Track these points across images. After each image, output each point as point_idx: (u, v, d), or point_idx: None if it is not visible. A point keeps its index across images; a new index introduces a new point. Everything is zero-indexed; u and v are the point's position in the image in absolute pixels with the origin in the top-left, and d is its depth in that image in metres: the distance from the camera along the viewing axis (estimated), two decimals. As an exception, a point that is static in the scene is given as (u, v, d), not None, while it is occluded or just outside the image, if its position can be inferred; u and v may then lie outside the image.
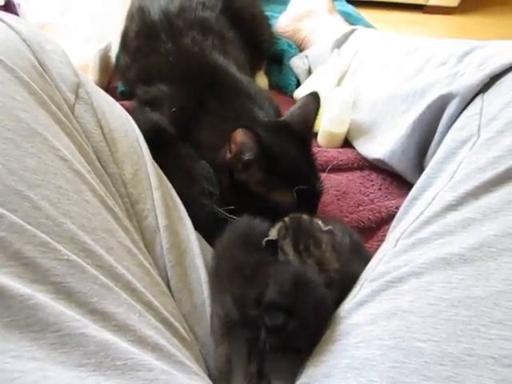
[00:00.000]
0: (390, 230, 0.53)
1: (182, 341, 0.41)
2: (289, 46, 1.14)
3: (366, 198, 0.77)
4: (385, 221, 0.71)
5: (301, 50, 1.14)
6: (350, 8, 1.38)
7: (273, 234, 0.48)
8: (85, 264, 0.35)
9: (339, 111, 0.85)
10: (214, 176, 0.62)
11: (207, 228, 0.56)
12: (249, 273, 0.44)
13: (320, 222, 0.49)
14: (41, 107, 0.43)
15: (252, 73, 0.97)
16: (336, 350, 0.40)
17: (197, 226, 0.55)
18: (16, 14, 0.96)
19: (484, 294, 0.35)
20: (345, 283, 0.46)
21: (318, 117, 0.67)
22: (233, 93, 0.73)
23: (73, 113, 0.48)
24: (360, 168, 0.83)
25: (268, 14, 1.17)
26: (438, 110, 0.62)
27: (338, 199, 0.76)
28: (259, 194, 0.59)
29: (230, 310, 0.44)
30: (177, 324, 0.42)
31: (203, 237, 0.56)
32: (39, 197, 0.36)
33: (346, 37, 1.02)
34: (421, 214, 0.45)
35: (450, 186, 0.45)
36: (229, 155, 0.60)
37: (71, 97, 0.48)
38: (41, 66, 0.47)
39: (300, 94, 1.00)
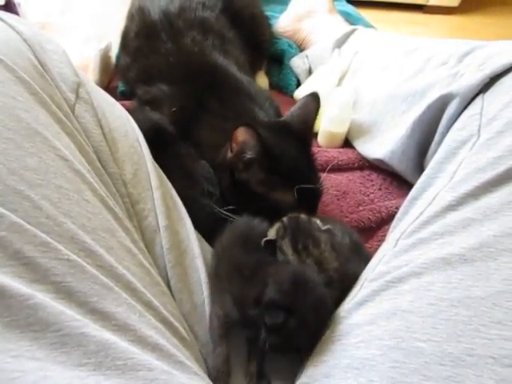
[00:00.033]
0: (390, 230, 0.53)
1: (182, 341, 0.41)
2: (289, 45, 1.14)
3: (366, 198, 0.77)
4: (385, 221, 0.71)
5: (301, 50, 1.14)
6: (350, 8, 1.38)
7: (271, 233, 0.48)
8: (85, 264, 0.35)
9: (339, 111, 0.85)
10: (214, 176, 0.62)
11: (207, 228, 0.56)
12: (248, 273, 0.44)
13: (318, 222, 0.49)
14: (41, 107, 0.43)
15: (252, 73, 0.97)
16: (336, 349, 0.40)
17: (197, 226, 0.55)
18: (16, 13, 0.96)
19: (484, 294, 0.35)
20: (344, 283, 0.46)
21: (318, 117, 0.67)
22: (233, 93, 0.73)
23: (73, 112, 0.48)
24: (360, 168, 0.83)
25: (268, 13, 1.17)
26: (438, 110, 0.62)
27: (338, 199, 0.76)
28: (260, 193, 0.59)
29: (230, 310, 0.44)
30: (177, 324, 0.42)
31: (203, 237, 0.56)
32: (39, 196, 0.36)
33: (346, 37, 1.02)
34: (421, 214, 0.45)
35: (450, 186, 0.45)
36: (230, 154, 0.60)
37: (71, 96, 0.49)
38: (41, 66, 0.47)
39: (300, 94, 1.00)
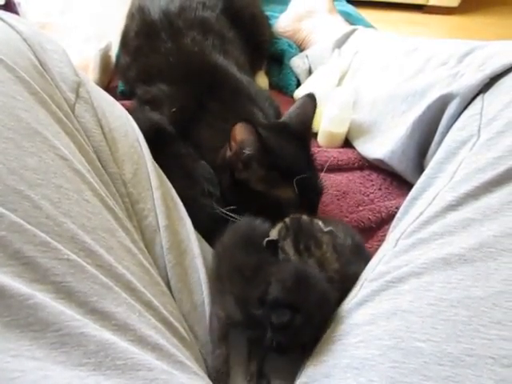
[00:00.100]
0: (390, 230, 0.53)
1: (181, 340, 0.41)
2: (289, 45, 1.14)
3: (366, 198, 0.77)
4: (385, 221, 0.71)
5: (301, 50, 1.14)
6: (350, 8, 1.38)
7: (273, 234, 0.48)
8: (85, 263, 0.35)
9: (339, 111, 0.85)
10: (214, 176, 0.62)
11: (207, 228, 0.56)
12: (250, 273, 0.44)
13: (320, 223, 0.49)
14: (41, 106, 0.43)
15: (252, 73, 0.97)
16: (336, 349, 0.40)
17: (197, 226, 0.55)
18: (16, 13, 0.96)
19: (483, 294, 0.35)
20: (345, 284, 0.46)
21: (317, 117, 0.67)
22: (233, 93, 0.73)
23: (73, 112, 0.48)
24: (360, 168, 0.83)
25: (268, 13, 1.17)
26: (438, 111, 0.62)
27: (338, 199, 0.76)
28: (261, 191, 0.59)
29: (233, 310, 0.44)
30: (176, 324, 0.42)
31: (203, 237, 0.56)
32: (39, 196, 0.36)
33: (346, 37, 1.02)
34: (421, 214, 0.45)
35: (450, 187, 0.45)
36: (229, 153, 0.60)
37: (71, 96, 0.49)
38: (41, 66, 0.47)
39: (300, 93, 1.00)
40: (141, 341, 0.34)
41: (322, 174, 0.65)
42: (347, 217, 0.73)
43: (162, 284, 0.46)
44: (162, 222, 0.51)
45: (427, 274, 0.39)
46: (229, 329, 0.47)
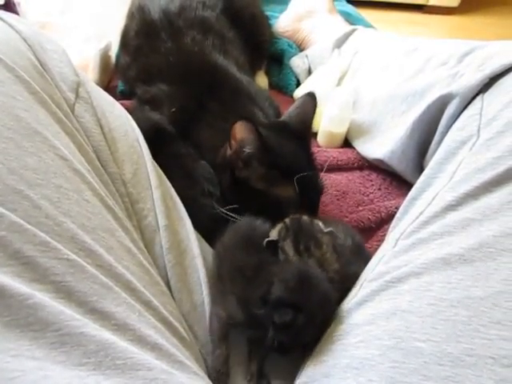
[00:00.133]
0: (390, 230, 0.53)
1: (181, 340, 0.41)
2: (289, 45, 1.14)
3: (365, 198, 0.77)
4: (384, 221, 0.71)
5: (301, 50, 1.14)
6: (350, 8, 1.38)
7: (273, 234, 0.48)
8: (84, 263, 0.35)
9: (339, 111, 0.85)
10: (214, 176, 0.62)
11: (207, 228, 0.56)
12: (251, 273, 0.44)
13: (320, 224, 0.49)
14: (41, 106, 0.43)
15: (252, 73, 0.97)
16: (336, 349, 0.40)
17: (197, 226, 0.55)
18: (16, 13, 0.96)
19: (483, 294, 0.35)
20: (345, 284, 0.46)
21: (317, 117, 0.67)
22: (233, 93, 0.73)
23: (73, 112, 0.48)
24: (360, 168, 0.83)
25: (268, 13, 1.17)
26: (437, 111, 0.62)
27: (337, 199, 0.76)
28: (261, 189, 0.59)
29: (234, 311, 0.44)
30: (176, 323, 0.42)
31: (203, 237, 0.56)
32: (39, 196, 0.36)
33: (346, 37, 1.02)
34: (420, 214, 0.45)
35: (450, 187, 0.45)
36: (229, 151, 0.60)
37: (71, 96, 0.49)
38: (41, 66, 0.47)
39: (300, 93, 1.00)
40: (140, 340, 0.34)
41: (322, 174, 0.65)
42: (347, 217, 0.73)
43: (162, 284, 0.46)
44: (161, 221, 0.51)
45: (427, 274, 0.39)
46: (229, 329, 0.47)
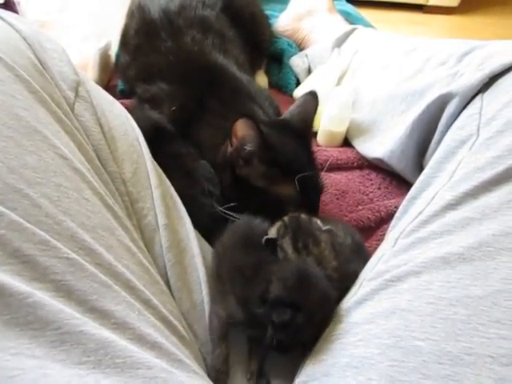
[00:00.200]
0: (390, 229, 0.53)
1: (181, 339, 0.42)
2: (289, 45, 1.14)
3: (365, 198, 0.77)
4: (384, 220, 0.71)
5: (301, 49, 1.14)
6: (349, 7, 1.38)
7: (272, 232, 0.48)
8: (84, 262, 0.35)
9: (339, 110, 0.85)
10: (214, 176, 0.62)
11: (207, 227, 0.56)
12: (250, 272, 0.44)
13: (319, 222, 0.49)
14: (41, 105, 0.43)
15: (252, 72, 0.97)
16: (335, 348, 0.40)
17: (196, 226, 0.55)
18: (16, 12, 0.96)
19: (483, 293, 0.35)
20: (343, 282, 0.46)
21: (317, 116, 0.67)
22: (233, 92, 0.72)
23: (73, 111, 0.48)
24: (359, 167, 0.83)
25: (268, 13, 1.17)
26: (437, 110, 0.62)
27: (337, 198, 0.76)
28: (261, 187, 0.59)
29: (234, 310, 0.44)
30: (176, 322, 0.43)
31: (203, 236, 0.56)
32: (39, 195, 0.36)
33: (345, 36, 1.02)
34: (420, 213, 0.45)
35: (450, 186, 0.45)
36: (230, 149, 0.60)
37: (71, 95, 0.48)
38: (41, 65, 0.47)
39: (300, 93, 1.00)
40: (140, 339, 0.34)
41: (322, 173, 0.65)
42: (346, 216, 0.73)
43: (162, 283, 0.46)
44: (161, 220, 0.51)
45: (426, 273, 0.39)
46: (229, 328, 0.47)
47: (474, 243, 0.38)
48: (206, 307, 0.49)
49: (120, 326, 0.34)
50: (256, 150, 0.58)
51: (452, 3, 2.00)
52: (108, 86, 0.98)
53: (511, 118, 0.46)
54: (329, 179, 0.77)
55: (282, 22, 1.19)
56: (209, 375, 0.43)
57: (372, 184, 0.80)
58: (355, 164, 0.84)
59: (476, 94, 0.55)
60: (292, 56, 1.11)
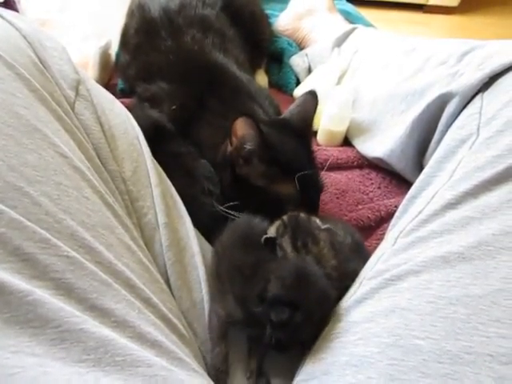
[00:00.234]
0: (389, 228, 0.53)
1: (181, 337, 0.42)
2: (289, 44, 1.14)
3: (365, 197, 0.77)
4: (384, 219, 0.72)
5: (301, 49, 1.14)
6: (349, 7, 1.38)
7: (271, 231, 0.48)
8: (84, 260, 0.35)
9: (339, 110, 0.85)
10: (214, 175, 0.62)
11: (207, 226, 0.56)
12: (249, 271, 0.44)
13: (318, 221, 0.49)
14: (41, 104, 0.43)
15: (252, 71, 0.97)
16: (335, 347, 0.40)
17: (196, 225, 0.55)
18: (16, 10, 0.96)
19: (482, 292, 0.35)
20: (343, 281, 0.46)
21: (317, 115, 0.67)
22: (233, 91, 0.72)
23: (73, 110, 0.48)
24: (359, 167, 0.84)
25: (268, 12, 1.17)
26: (437, 110, 0.63)
27: (337, 198, 0.76)
28: (261, 186, 0.59)
29: (233, 309, 0.44)
30: (176, 321, 0.43)
31: (203, 235, 0.56)
32: (39, 193, 0.36)
33: (346, 36, 1.02)
34: (420, 212, 0.45)
35: (450, 185, 0.45)
36: (230, 148, 0.60)
37: (71, 94, 0.49)
38: (41, 63, 0.47)
39: (300, 92, 1.00)
40: (140, 337, 0.34)
41: (322, 173, 0.65)
42: (346, 215, 0.73)
43: (162, 281, 0.46)
44: (161, 219, 0.51)
45: (426, 272, 0.39)
46: (228, 327, 0.47)
47: (473, 242, 0.38)
48: (206, 306, 0.49)
49: (120, 324, 0.34)
50: (256, 149, 0.58)
51: (452, 3, 2.00)
52: (108, 85, 0.98)
53: (511, 117, 0.46)
54: (329, 178, 0.77)
55: (282, 21, 1.19)
56: (209, 374, 0.43)
57: (372, 183, 0.80)
58: (355, 163, 0.84)
59: (476, 94, 0.55)
60: (292, 55, 1.11)
